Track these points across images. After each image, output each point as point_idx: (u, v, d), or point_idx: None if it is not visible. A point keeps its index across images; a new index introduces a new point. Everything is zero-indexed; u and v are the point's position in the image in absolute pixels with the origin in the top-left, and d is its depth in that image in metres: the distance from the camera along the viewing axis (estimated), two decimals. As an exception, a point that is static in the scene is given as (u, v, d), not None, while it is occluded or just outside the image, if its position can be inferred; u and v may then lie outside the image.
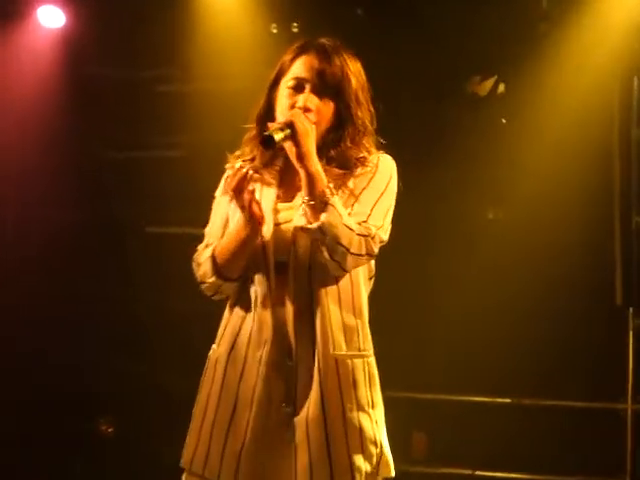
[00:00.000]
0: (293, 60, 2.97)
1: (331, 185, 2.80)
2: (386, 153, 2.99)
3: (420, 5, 5.83)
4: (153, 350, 6.17)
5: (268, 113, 2.98)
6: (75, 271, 6.20)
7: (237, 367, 2.89)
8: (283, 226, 2.88)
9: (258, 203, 2.86)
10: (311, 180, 2.77)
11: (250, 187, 2.81)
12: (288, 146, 2.83)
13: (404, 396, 5.65)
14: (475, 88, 5.93)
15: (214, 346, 3.00)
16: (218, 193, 3.09)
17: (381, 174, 2.93)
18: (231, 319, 2.97)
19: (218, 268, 2.91)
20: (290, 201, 2.92)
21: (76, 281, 6.22)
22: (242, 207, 2.82)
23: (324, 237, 2.73)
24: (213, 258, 2.92)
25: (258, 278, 2.90)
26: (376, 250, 2.84)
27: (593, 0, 5.60)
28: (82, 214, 6.33)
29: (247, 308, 2.92)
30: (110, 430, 6.22)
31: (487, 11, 5.71)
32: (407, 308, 5.70)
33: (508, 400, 5.81)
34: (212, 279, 2.93)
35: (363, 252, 2.80)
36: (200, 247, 3.02)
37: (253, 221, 2.84)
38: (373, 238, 2.81)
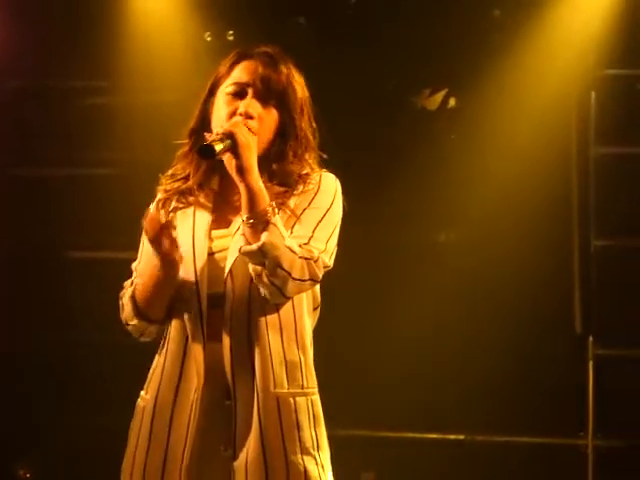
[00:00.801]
0: (232, 66, 2.79)
1: (273, 203, 2.62)
2: (330, 172, 2.83)
3: (367, 15, 5.65)
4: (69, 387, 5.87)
5: (203, 126, 2.79)
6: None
7: (165, 415, 2.71)
8: (217, 255, 2.71)
9: (177, 246, 2.66)
10: (252, 197, 2.60)
11: (170, 225, 2.65)
12: (227, 159, 2.63)
13: (351, 434, 5.41)
14: (424, 102, 5.77)
15: (142, 392, 2.82)
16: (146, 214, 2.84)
17: (324, 193, 2.76)
18: (159, 361, 2.79)
19: (139, 310, 2.75)
20: (226, 227, 2.75)
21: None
22: (160, 254, 2.64)
23: (264, 259, 2.56)
24: (133, 299, 2.76)
25: (188, 314, 2.70)
26: (320, 275, 2.67)
27: (547, 11, 5.52)
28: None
29: (176, 348, 2.73)
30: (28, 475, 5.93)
31: (436, 21, 5.56)
32: (354, 340, 5.49)
33: (461, 437, 5.62)
34: (134, 321, 2.78)
35: (306, 277, 2.62)
36: (126, 284, 2.85)
37: (170, 264, 2.66)
38: (316, 262, 2.64)
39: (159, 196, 2.82)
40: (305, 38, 5.63)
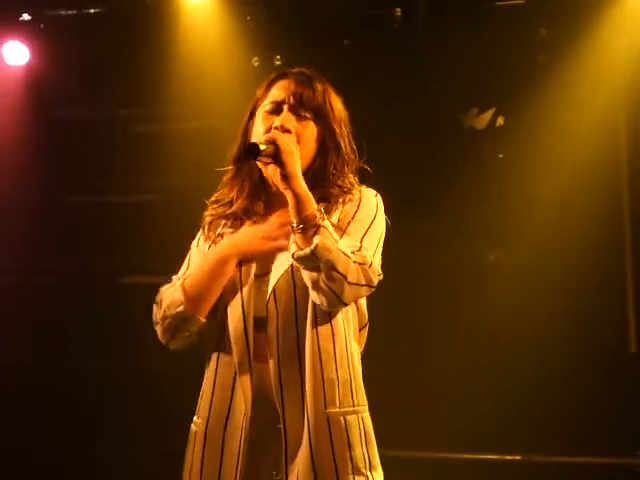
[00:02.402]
0: (269, 87, 2.84)
1: (321, 208, 2.61)
2: (378, 190, 2.83)
3: (413, 35, 5.63)
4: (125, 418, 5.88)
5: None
6: (42, 328, 6.02)
7: (216, 442, 2.70)
8: (264, 278, 2.72)
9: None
10: (299, 202, 2.60)
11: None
12: (271, 169, 2.66)
13: (403, 455, 5.32)
14: (472, 121, 5.71)
15: (195, 417, 2.81)
16: (194, 243, 2.89)
17: (366, 207, 2.76)
18: (207, 386, 2.78)
19: (188, 297, 2.72)
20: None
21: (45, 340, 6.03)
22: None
23: (318, 263, 2.52)
24: (183, 287, 2.74)
25: (234, 337, 2.69)
26: (375, 281, 2.65)
27: (593, 29, 5.45)
28: (47, 266, 6.18)
29: (222, 373, 2.73)
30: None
31: (484, 42, 5.53)
32: (404, 358, 5.44)
33: (518, 457, 5.54)
34: (180, 308, 2.73)
35: (362, 281, 2.60)
36: (162, 288, 2.83)
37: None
38: (370, 267, 2.62)
39: (206, 220, 2.85)
40: (350, 60, 5.62)
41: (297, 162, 2.62)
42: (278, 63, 5.65)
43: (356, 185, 2.81)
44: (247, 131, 2.84)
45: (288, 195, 2.61)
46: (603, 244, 5.47)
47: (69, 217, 6.17)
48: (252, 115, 2.84)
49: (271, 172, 2.67)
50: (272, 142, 2.62)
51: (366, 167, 2.85)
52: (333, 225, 2.65)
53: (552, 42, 5.53)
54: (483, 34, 5.52)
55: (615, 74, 5.47)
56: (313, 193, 2.67)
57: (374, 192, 2.80)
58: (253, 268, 2.72)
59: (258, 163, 2.73)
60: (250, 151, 2.61)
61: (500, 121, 5.67)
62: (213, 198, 2.88)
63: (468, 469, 5.52)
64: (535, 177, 5.55)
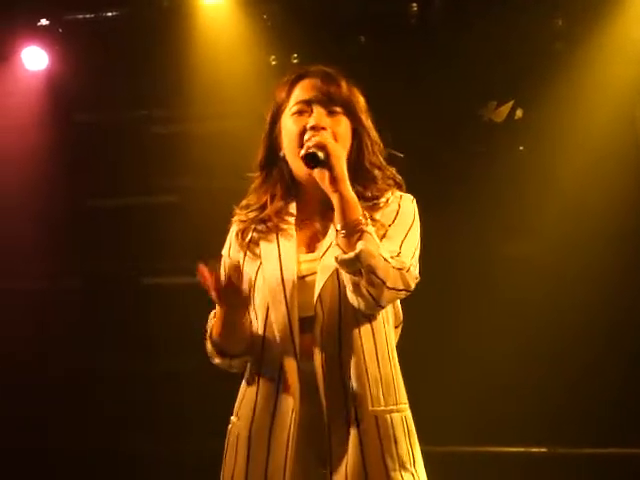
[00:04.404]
0: (291, 89, 2.80)
1: (366, 213, 2.63)
2: (400, 186, 2.85)
3: (429, 29, 5.63)
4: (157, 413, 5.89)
5: (272, 158, 2.82)
6: (66, 328, 6.08)
7: (262, 441, 2.70)
8: (307, 279, 2.71)
9: (243, 296, 2.68)
10: (346, 206, 2.61)
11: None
12: (318, 172, 2.65)
13: (431, 450, 5.25)
14: (491, 114, 5.70)
15: (233, 418, 2.82)
16: (225, 252, 2.88)
17: (405, 212, 2.78)
18: (247, 385, 2.79)
19: (219, 349, 2.78)
20: (312, 252, 2.76)
21: (70, 339, 6.09)
22: (225, 309, 2.69)
23: (360, 267, 2.55)
24: (211, 339, 2.78)
25: (281, 338, 2.70)
26: (412, 285, 2.67)
27: (610, 18, 5.43)
28: (69, 268, 6.23)
29: (266, 371, 2.74)
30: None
31: (501, 34, 5.53)
32: (427, 354, 5.38)
33: (544, 450, 5.54)
34: (217, 360, 2.80)
35: (400, 286, 2.63)
36: (211, 315, 2.84)
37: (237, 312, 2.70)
38: (408, 271, 2.65)
39: (235, 227, 2.85)
40: (367, 56, 5.61)
41: (344, 165, 2.64)
42: (295, 61, 5.67)
43: (392, 184, 2.82)
44: (272, 138, 2.82)
45: (335, 198, 2.61)
46: (623, 235, 5.45)
47: (91, 220, 6.22)
48: (275, 120, 2.82)
49: (318, 175, 2.65)
50: (322, 147, 2.62)
51: (396, 153, 2.88)
52: (377, 222, 2.69)
53: (569, 32, 5.51)
54: (500, 26, 5.51)
55: (632, 64, 5.45)
56: (355, 186, 2.68)
57: (412, 197, 2.82)
58: (295, 270, 2.72)
59: (300, 166, 2.72)
60: (311, 161, 2.62)
61: (519, 113, 5.65)
62: (243, 203, 2.88)
63: (494, 462, 5.51)
64: (556, 169, 5.54)
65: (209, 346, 2.79)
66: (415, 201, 2.81)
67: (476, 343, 5.42)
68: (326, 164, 2.61)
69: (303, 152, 2.65)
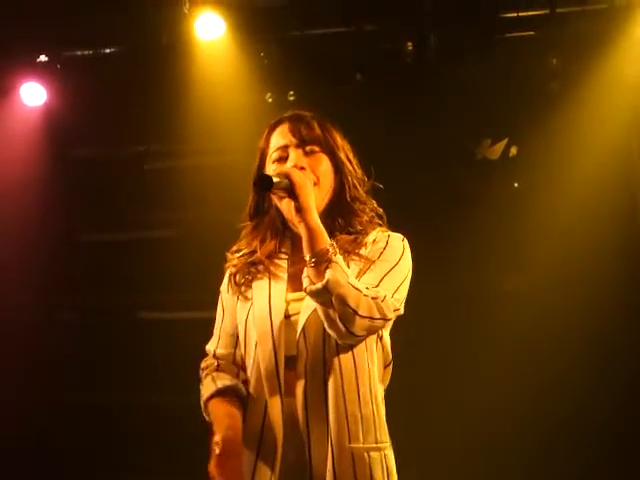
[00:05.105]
0: (268, 138, 2.89)
1: (334, 243, 2.66)
2: (393, 225, 2.90)
3: (425, 68, 5.69)
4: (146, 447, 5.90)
5: (260, 205, 2.89)
6: (62, 363, 6.06)
7: (247, 474, 2.72)
8: (293, 318, 2.76)
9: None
10: (312, 236, 2.65)
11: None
12: (285, 203, 2.72)
13: None
14: (486, 152, 5.73)
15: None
16: (223, 288, 2.94)
17: (392, 248, 2.81)
18: None
19: (210, 420, 2.81)
20: (301, 290, 2.75)
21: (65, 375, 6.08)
22: None
23: (330, 297, 2.57)
24: (206, 411, 2.84)
25: (266, 375, 2.73)
26: (389, 315, 2.69)
27: (603, 58, 5.48)
28: (67, 302, 6.22)
29: (253, 407, 2.77)
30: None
31: (495, 73, 5.59)
32: (424, 395, 5.42)
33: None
34: (209, 419, 2.83)
35: (375, 315, 2.64)
36: (203, 364, 2.91)
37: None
38: (384, 300, 2.66)
39: (228, 272, 2.89)
40: (363, 94, 5.64)
41: (311, 195, 2.67)
42: (291, 98, 5.70)
43: (383, 215, 2.88)
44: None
45: (302, 229, 2.65)
46: (621, 271, 5.45)
47: (88, 254, 6.22)
48: (260, 169, 2.87)
49: (285, 206, 2.72)
50: (285, 176, 2.67)
51: (378, 185, 2.90)
52: (362, 257, 2.72)
53: (563, 72, 5.57)
54: (495, 65, 5.58)
55: (627, 102, 5.49)
56: (337, 222, 2.75)
57: (401, 236, 2.85)
58: (283, 309, 2.75)
59: (274, 199, 2.77)
60: (263, 183, 2.64)
61: (513, 151, 5.69)
62: (234, 249, 2.92)
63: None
64: (552, 205, 5.56)
65: (202, 406, 2.82)
66: (405, 240, 2.84)
67: (473, 380, 5.39)
68: (287, 191, 2.65)
69: (256, 177, 2.71)
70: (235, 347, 2.86)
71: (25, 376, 6.04)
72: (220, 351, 2.88)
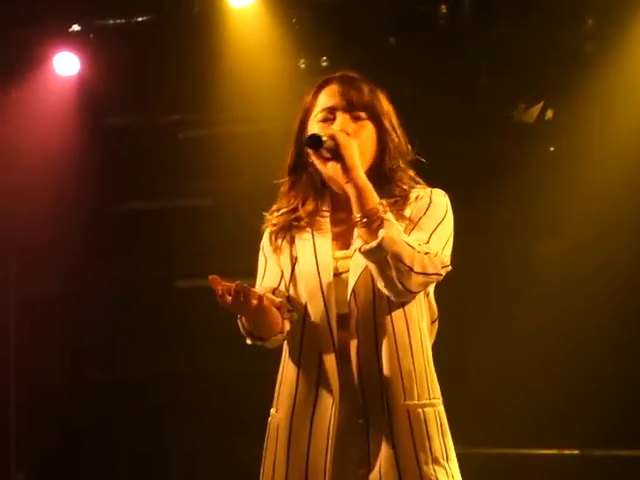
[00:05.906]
0: (316, 95, 2.84)
1: (383, 201, 2.63)
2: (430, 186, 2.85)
3: (459, 31, 5.62)
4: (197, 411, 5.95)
5: (299, 162, 2.84)
6: (101, 333, 6.12)
7: (303, 432, 2.72)
8: (343, 276, 2.73)
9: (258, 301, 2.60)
10: (361, 195, 2.62)
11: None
12: (331, 166, 2.67)
13: (463, 451, 5.25)
14: (522, 115, 5.69)
15: (272, 410, 2.84)
16: (264, 243, 2.89)
17: (436, 205, 2.77)
18: (288, 378, 2.80)
19: (248, 332, 2.76)
20: (346, 249, 2.77)
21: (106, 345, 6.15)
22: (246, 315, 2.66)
23: (385, 254, 2.55)
24: (240, 322, 2.77)
25: (317, 333, 2.73)
26: (442, 271, 2.66)
27: None
28: (105, 272, 6.27)
29: (305, 364, 2.76)
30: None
31: (530, 35, 5.51)
32: (460, 354, 5.36)
33: (576, 452, 5.48)
34: (248, 341, 2.79)
35: (430, 270, 2.62)
36: None
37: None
38: (436, 256, 2.64)
39: (267, 232, 2.86)
40: (397, 58, 5.64)
41: (356, 155, 2.65)
42: (325, 64, 5.68)
43: (420, 181, 2.83)
44: (300, 145, 2.83)
45: (350, 189, 2.63)
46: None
47: (124, 223, 6.27)
48: (303, 125, 2.84)
49: (331, 169, 2.68)
50: (331, 137, 2.65)
51: (420, 159, 2.85)
52: (405, 218, 2.70)
53: (599, 33, 5.49)
54: (529, 27, 5.50)
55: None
56: (377, 190, 2.68)
57: (443, 192, 2.81)
58: (332, 266, 2.74)
59: (316, 163, 2.74)
60: (312, 142, 2.64)
61: (549, 114, 5.64)
62: (274, 208, 2.89)
63: (526, 465, 5.49)
64: (587, 169, 5.50)
65: (241, 328, 2.77)
66: (447, 195, 2.80)
67: (509, 344, 5.40)
68: (332, 153, 2.63)
69: (306, 135, 2.68)
70: (279, 286, 2.81)
71: (63, 346, 6.12)
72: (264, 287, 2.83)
